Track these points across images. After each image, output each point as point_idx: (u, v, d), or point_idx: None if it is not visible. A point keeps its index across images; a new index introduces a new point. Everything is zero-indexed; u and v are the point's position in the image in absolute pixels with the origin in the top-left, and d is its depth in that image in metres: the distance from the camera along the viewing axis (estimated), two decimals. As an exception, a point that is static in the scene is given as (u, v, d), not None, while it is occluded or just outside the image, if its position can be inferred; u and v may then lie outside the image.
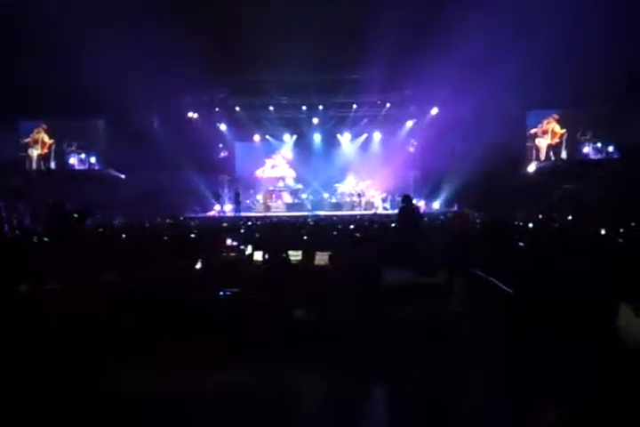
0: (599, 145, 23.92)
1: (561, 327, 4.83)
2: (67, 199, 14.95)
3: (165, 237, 11.25)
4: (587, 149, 24.11)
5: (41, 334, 5.27)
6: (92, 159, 25.58)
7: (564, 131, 24.36)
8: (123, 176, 24.93)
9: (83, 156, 25.64)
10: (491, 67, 18.82)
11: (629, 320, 4.45)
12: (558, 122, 24.55)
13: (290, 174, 28.06)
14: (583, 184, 21.08)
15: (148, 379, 4.76)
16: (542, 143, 24.81)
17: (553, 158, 24.62)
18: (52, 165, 25.62)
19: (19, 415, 4.08)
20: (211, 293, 6.27)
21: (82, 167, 25.63)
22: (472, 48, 18.15)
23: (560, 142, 24.50)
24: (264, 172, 28.41)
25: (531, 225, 13.14)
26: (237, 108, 26.13)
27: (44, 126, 25.42)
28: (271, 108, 25.87)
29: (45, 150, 25.52)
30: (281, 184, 27.31)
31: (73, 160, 25.68)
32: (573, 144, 24.24)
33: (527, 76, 19.57)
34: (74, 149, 25.60)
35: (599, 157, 23.85)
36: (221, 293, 6.26)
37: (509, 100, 21.81)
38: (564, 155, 24.49)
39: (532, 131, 24.82)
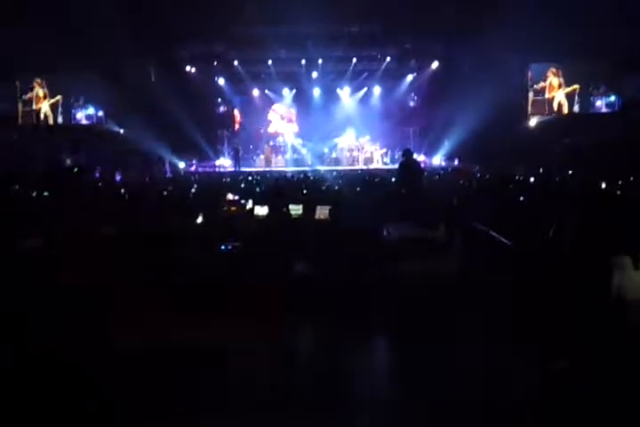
0: (612, 99, 23.75)
1: (559, 280, 4.87)
2: (66, 153, 14.93)
3: (165, 192, 11.27)
4: (599, 103, 24.00)
5: (42, 289, 5.31)
6: (100, 113, 25.36)
7: (571, 87, 24.09)
8: (121, 131, 24.74)
9: (91, 111, 25.41)
10: (491, 20, 18.49)
11: (628, 272, 4.50)
12: (556, 75, 24.27)
13: (289, 129, 27.84)
14: (583, 138, 21.02)
15: (150, 333, 4.82)
16: (543, 97, 24.60)
17: (554, 111, 24.44)
18: (60, 119, 25.32)
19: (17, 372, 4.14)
20: (212, 246, 6.31)
21: (89, 122, 25.43)
22: (472, 3, 17.87)
23: (571, 95, 24.26)
24: (263, 127, 28.15)
25: (532, 179, 13.13)
26: (236, 62, 25.74)
27: (39, 81, 25.08)
28: (270, 61, 25.48)
29: (40, 105, 25.22)
30: (280, 139, 27.17)
31: (80, 115, 25.45)
32: (585, 98, 24.06)
33: (528, 29, 19.26)
34: (80, 103, 25.33)
35: (609, 110, 23.71)
36: (222, 247, 6.30)
37: (510, 54, 21.51)
38: (576, 108, 24.26)
39: (535, 85, 24.53)
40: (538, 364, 3.88)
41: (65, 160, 12.27)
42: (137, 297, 5.34)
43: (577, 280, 4.73)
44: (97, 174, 17.80)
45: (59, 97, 25.12)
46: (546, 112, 24.52)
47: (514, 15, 17.77)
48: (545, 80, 24.38)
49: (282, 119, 27.99)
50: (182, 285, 5.55)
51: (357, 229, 6.31)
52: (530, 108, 24.58)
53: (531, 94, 24.50)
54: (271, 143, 26.85)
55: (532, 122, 24.48)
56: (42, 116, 25.22)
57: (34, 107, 25.12)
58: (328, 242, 6.17)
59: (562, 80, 24.18)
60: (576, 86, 24.02)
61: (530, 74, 24.52)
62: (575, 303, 4.55)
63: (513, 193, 9.43)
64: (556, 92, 24.30)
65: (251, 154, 26.39)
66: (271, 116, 28.10)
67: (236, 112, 27.87)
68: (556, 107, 24.43)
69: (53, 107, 25.25)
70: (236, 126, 27.79)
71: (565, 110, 24.32)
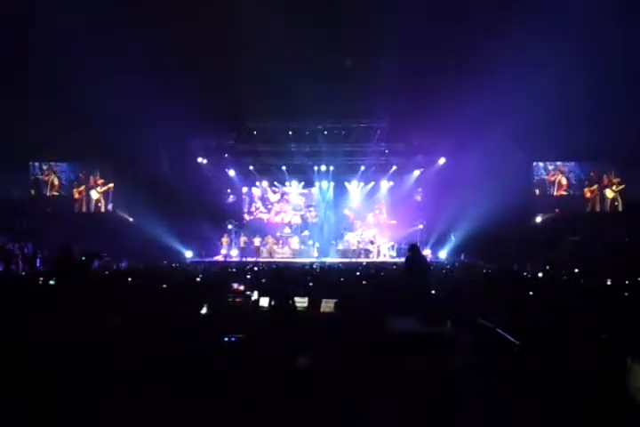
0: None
1: (569, 380, 4.78)
2: (76, 241, 15.02)
3: (171, 282, 11.24)
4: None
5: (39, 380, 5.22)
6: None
7: (621, 185, 24.80)
8: (131, 219, 25.05)
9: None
10: (497, 119, 19.04)
11: (636, 375, 4.41)
12: (564, 173, 24.86)
13: (296, 221, 28.08)
14: (589, 236, 21.10)
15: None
16: (551, 193, 25.11)
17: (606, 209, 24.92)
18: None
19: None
20: (216, 338, 6.24)
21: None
22: (478, 102, 18.42)
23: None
24: (271, 218, 28.42)
25: (540, 275, 13.09)
26: (246, 155, 26.41)
27: (54, 169, 25.83)
28: (279, 155, 26.13)
29: (54, 193, 25.79)
30: (287, 230, 27.35)
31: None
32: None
33: (532, 129, 19.81)
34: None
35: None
36: (226, 338, 6.23)
37: (516, 152, 22.00)
38: (620, 207, 24.76)
39: (539, 181, 25.10)
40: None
41: (74, 248, 12.32)
42: (137, 387, 5.23)
43: (590, 381, 4.63)
44: (104, 262, 17.85)
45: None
46: (597, 210, 25.07)
47: (519, 115, 18.30)
48: (552, 178, 24.95)
49: (294, 210, 28.27)
50: (185, 376, 5.45)
51: (362, 324, 6.25)
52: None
53: (544, 191, 25.04)
54: (278, 234, 26.98)
55: (538, 218, 24.72)
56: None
57: (49, 193, 25.70)
58: (332, 336, 6.10)
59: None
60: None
61: (535, 172, 25.12)
62: (587, 405, 4.44)
63: (521, 289, 9.38)
64: (564, 190, 24.83)
65: (258, 244, 26.44)
66: (284, 207, 28.41)
67: (245, 203, 28.26)
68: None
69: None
70: (245, 217, 28.08)
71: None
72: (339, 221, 27.38)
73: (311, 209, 28.15)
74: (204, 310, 7.49)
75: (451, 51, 18.75)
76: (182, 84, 19.18)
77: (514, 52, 16.67)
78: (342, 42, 19.26)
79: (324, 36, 18.70)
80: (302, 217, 28.15)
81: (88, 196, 25.95)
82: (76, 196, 25.95)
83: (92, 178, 25.96)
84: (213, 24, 18.51)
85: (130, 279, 11.60)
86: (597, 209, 24.84)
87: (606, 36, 16.09)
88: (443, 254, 24.66)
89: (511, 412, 4.73)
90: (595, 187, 24.82)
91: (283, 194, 28.40)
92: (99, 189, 25.92)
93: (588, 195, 24.92)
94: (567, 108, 18.96)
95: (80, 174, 26.00)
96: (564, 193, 25.08)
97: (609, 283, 11.16)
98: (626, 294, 9.37)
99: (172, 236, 23.03)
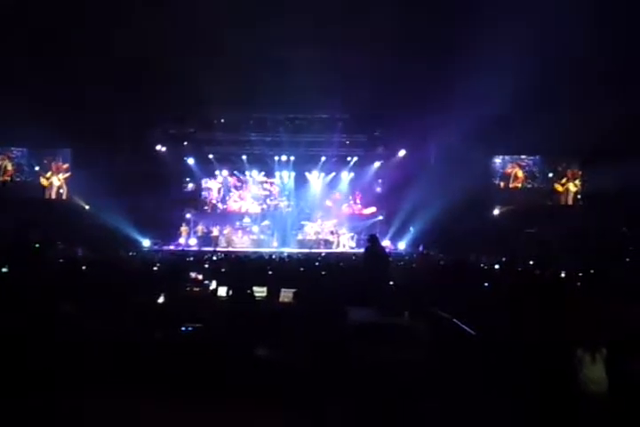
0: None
1: (523, 370, 4.84)
2: (29, 228, 14.72)
3: (128, 270, 11.10)
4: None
5: None
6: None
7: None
8: (87, 207, 24.61)
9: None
10: (458, 112, 19.15)
11: (587, 366, 4.50)
12: (521, 167, 25.24)
13: (256, 210, 27.90)
14: (545, 229, 21.45)
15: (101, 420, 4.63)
16: (507, 186, 25.44)
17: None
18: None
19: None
20: (173, 327, 6.17)
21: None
22: (440, 94, 18.52)
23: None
24: (230, 207, 28.18)
25: (497, 267, 13.26)
26: (206, 143, 26.14)
27: (9, 154, 25.25)
28: (240, 144, 25.91)
29: (6, 177, 25.23)
30: (247, 220, 27.19)
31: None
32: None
33: (494, 123, 19.97)
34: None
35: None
36: (184, 328, 6.16)
37: (476, 145, 22.16)
38: (581, 201, 25.23)
39: (498, 174, 25.44)
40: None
41: (28, 235, 12.06)
42: (90, 377, 5.14)
43: (542, 371, 4.70)
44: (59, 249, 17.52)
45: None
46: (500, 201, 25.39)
47: (480, 108, 18.43)
48: (509, 171, 25.31)
49: (253, 200, 28.07)
50: (140, 366, 5.38)
51: (321, 314, 6.24)
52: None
53: (502, 184, 25.37)
54: (238, 223, 26.82)
55: (496, 211, 25.03)
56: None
57: (1, 178, 25.16)
58: (291, 326, 6.08)
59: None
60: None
61: (493, 165, 25.44)
62: (541, 394, 4.51)
63: (477, 281, 9.48)
64: (520, 182, 25.21)
65: (216, 233, 26.24)
66: (244, 194, 28.20)
67: (204, 192, 28.00)
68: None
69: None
70: (204, 206, 27.84)
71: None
72: (299, 211, 27.33)
73: (272, 199, 28.03)
74: (161, 300, 7.40)
75: (413, 44, 18.72)
76: (144, 71, 18.87)
77: (476, 44, 16.71)
78: (305, 33, 19.12)
79: (286, 26, 18.54)
80: (262, 207, 28.01)
81: (52, 183, 25.50)
82: (45, 183, 25.48)
83: (54, 164, 25.47)
84: (176, 12, 18.22)
85: (84, 267, 11.40)
86: (570, 202, 25.23)
87: (571, 30, 16.22)
88: (402, 246, 24.81)
89: (467, 401, 4.78)
90: (564, 180, 25.19)
91: (243, 183, 28.20)
92: (60, 175, 25.45)
93: (560, 189, 25.27)
94: (528, 101, 19.16)
95: (45, 160, 25.46)
96: (518, 185, 25.46)
97: (563, 275, 11.37)
98: (578, 284, 9.56)
99: (129, 224, 22.73)
